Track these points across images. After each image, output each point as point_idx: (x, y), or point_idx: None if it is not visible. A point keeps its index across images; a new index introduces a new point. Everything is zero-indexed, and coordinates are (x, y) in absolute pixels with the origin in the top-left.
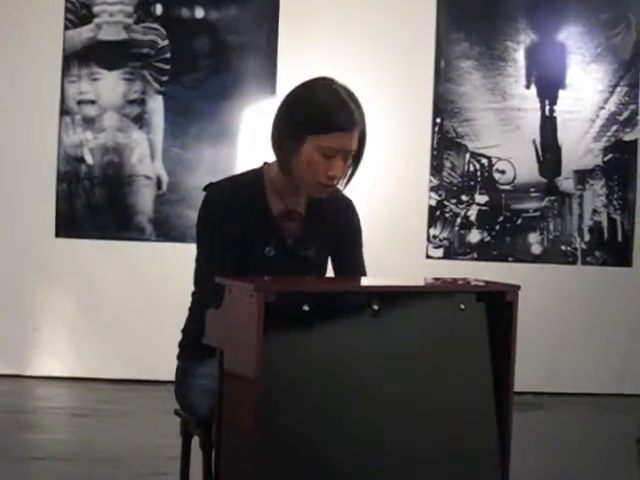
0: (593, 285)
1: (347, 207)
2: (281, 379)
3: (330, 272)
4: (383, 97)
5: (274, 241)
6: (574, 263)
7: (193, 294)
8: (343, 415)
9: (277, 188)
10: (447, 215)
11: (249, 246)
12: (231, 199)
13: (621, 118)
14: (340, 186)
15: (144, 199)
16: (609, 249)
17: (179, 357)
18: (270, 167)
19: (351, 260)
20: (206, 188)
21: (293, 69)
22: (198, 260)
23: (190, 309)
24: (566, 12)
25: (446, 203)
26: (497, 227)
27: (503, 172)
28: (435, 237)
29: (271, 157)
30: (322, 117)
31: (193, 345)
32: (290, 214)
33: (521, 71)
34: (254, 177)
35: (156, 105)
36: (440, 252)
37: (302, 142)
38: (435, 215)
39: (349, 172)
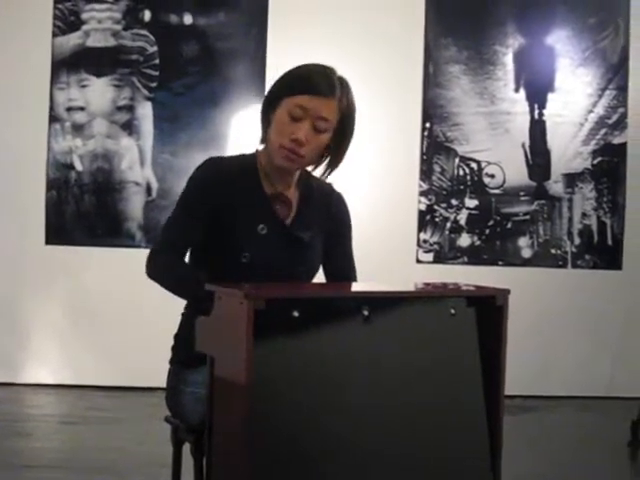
0: (583, 288)
1: (338, 199)
2: (272, 385)
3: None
4: (372, 102)
5: (268, 220)
6: (564, 266)
7: (155, 243)
8: (334, 421)
9: (266, 173)
10: (437, 219)
11: (242, 222)
12: (227, 174)
13: (610, 121)
14: (323, 175)
15: (134, 206)
16: (599, 252)
17: (171, 361)
18: (261, 153)
19: (341, 251)
20: (205, 160)
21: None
22: (172, 213)
23: (182, 314)
24: (554, 16)
25: (436, 207)
26: (487, 231)
27: (493, 176)
28: (425, 241)
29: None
30: (298, 79)
31: (185, 350)
32: (279, 197)
33: (510, 75)
34: (249, 158)
35: (145, 111)
36: (430, 256)
37: (277, 105)
38: (425, 219)
39: (330, 159)
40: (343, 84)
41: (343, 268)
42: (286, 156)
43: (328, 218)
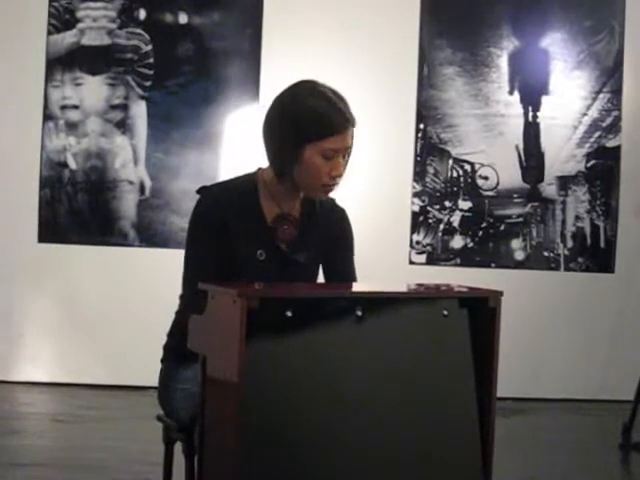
0: (576, 291)
1: (341, 215)
2: (264, 385)
3: (321, 277)
4: (366, 103)
5: (266, 245)
6: (557, 269)
7: (181, 297)
8: (327, 421)
9: (272, 193)
10: (430, 221)
11: (241, 249)
12: (225, 202)
13: (604, 124)
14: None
15: (127, 204)
16: (592, 255)
17: (163, 360)
18: (264, 172)
19: (342, 267)
20: (199, 191)
21: (276, 75)
22: (185, 262)
23: (177, 312)
24: (549, 19)
25: (429, 209)
26: (480, 233)
27: (486, 178)
28: (418, 243)
29: (263, 163)
30: (319, 123)
31: (178, 348)
32: (285, 218)
33: (504, 77)
34: (248, 182)
35: (139, 110)
36: (423, 258)
37: (302, 150)
38: (418, 221)
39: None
40: (343, 100)
41: (344, 281)
42: (327, 191)
43: (329, 235)
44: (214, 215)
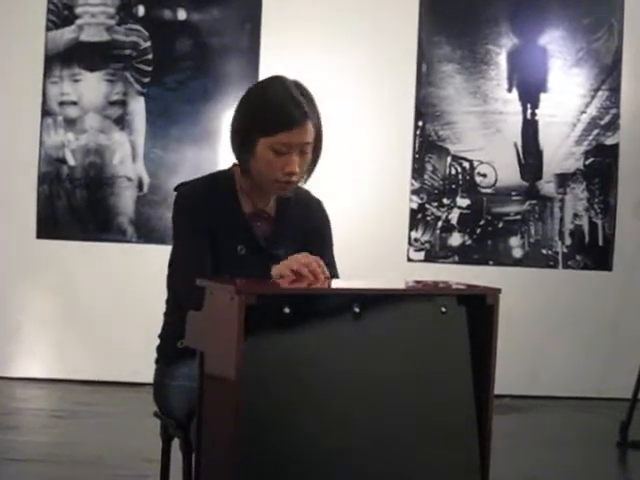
0: (574, 289)
1: (317, 207)
2: (262, 381)
3: None
4: (365, 100)
5: (246, 240)
6: (555, 267)
7: (167, 301)
8: (324, 418)
9: (246, 190)
10: (428, 218)
11: (221, 244)
12: (203, 198)
13: (602, 122)
14: (301, 182)
15: (125, 201)
16: (590, 253)
17: (157, 361)
18: (239, 169)
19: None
20: (177, 188)
21: (275, 71)
22: (173, 259)
23: (165, 314)
24: (548, 16)
25: (427, 206)
26: (478, 230)
27: (484, 175)
28: (416, 240)
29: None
30: (269, 118)
31: (170, 349)
32: (259, 214)
33: (503, 74)
34: (225, 177)
35: (138, 107)
36: (421, 255)
37: (255, 144)
38: (416, 218)
39: (309, 166)
40: (306, 96)
41: None
42: (282, 187)
43: (306, 227)
44: (194, 210)
